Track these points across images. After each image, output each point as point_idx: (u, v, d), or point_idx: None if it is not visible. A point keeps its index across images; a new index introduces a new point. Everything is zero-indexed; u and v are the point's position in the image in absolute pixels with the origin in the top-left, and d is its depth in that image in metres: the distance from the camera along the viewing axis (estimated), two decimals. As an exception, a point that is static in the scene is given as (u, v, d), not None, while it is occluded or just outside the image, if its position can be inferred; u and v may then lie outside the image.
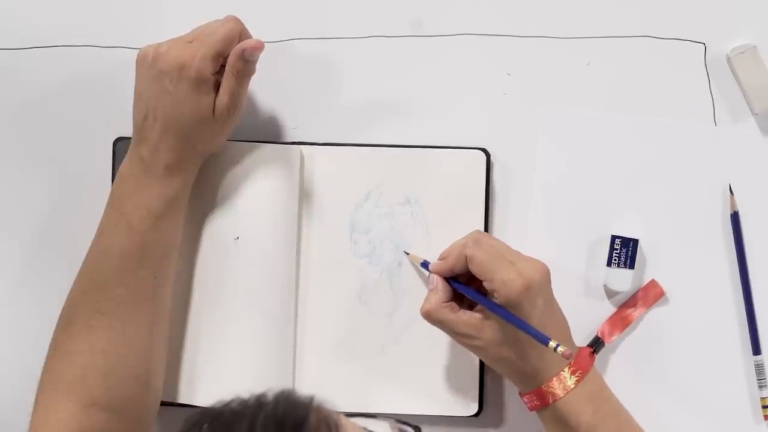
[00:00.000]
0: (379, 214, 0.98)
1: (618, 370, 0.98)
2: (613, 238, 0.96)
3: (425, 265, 0.95)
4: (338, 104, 1.00)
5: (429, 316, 0.92)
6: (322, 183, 0.98)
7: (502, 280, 0.88)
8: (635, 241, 0.96)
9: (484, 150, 0.97)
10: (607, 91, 0.99)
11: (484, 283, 0.90)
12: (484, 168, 0.97)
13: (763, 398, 0.97)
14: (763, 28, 0.98)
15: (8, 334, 1.00)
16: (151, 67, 0.90)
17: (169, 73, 0.89)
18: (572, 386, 0.89)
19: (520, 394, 0.93)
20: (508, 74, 1.00)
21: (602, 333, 0.96)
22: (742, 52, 0.98)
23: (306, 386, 0.97)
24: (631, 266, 0.96)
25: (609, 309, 0.98)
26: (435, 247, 0.97)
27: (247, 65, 0.91)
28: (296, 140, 0.99)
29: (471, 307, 0.93)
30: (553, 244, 0.98)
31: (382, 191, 0.98)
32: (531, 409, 0.92)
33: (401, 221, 0.98)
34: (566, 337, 0.91)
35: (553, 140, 0.99)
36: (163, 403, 0.95)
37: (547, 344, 0.85)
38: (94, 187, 0.99)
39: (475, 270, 0.90)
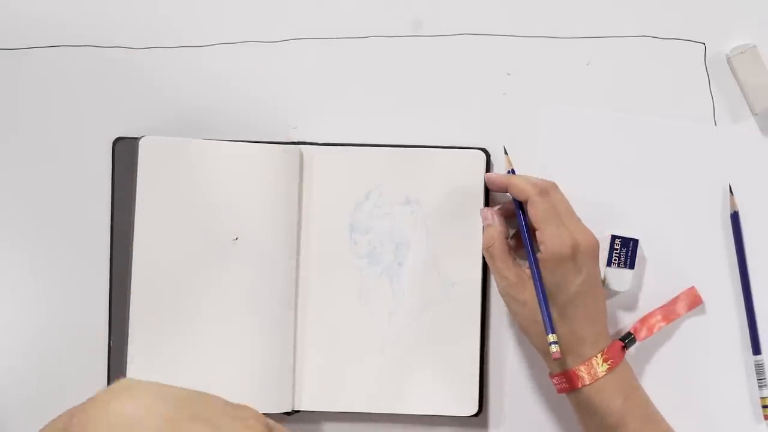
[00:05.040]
0: (379, 214, 0.98)
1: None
2: (613, 238, 0.96)
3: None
4: (338, 104, 1.00)
5: (491, 248, 0.93)
6: (322, 183, 0.98)
7: (552, 233, 0.89)
8: (635, 241, 0.96)
9: (484, 150, 0.97)
10: (607, 91, 0.99)
11: (536, 233, 0.90)
12: (484, 168, 0.97)
13: (763, 398, 0.97)
14: (763, 28, 0.98)
15: (7, 333, 1.00)
16: None
17: None
18: (602, 374, 0.89)
19: (549, 375, 0.93)
20: (508, 74, 1.00)
21: (635, 330, 0.96)
22: (742, 52, 0.98)
23: (306, 386, 0.97)
24: (631, 266, 0.96)
25: (610, 309, 0.98)
26: (435, 247, 0.97)
27: None
28: (296, 140, 0.99)
29: None
30: (553, 244, 0.98)
31: (382, 191, 0.98)
32: (560, 391, 0.92)
33: (401, 221, 0.98)
34: (602, 321, 0.92)
35: (553, 140, 0.99)
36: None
37: (549, 333, 0.87)
38: (94, 187, 0.99)
39: (531, 214, 0.91)
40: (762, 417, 0.98)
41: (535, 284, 0.90)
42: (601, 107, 0.99)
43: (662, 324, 0.97)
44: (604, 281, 0.96)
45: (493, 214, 0.94)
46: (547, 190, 0.92)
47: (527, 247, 0.91)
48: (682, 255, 0.98)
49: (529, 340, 0.94)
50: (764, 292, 0.98)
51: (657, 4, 0.99)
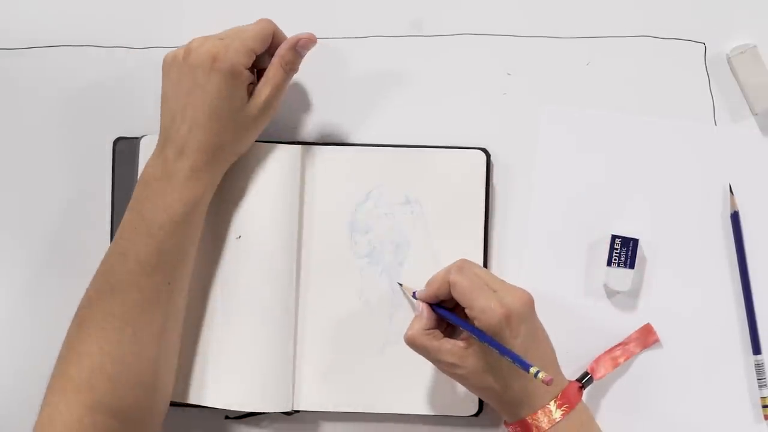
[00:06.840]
0: (379, 214, 0.98)
1: (619, 366, 0.98)
2: (613, 238, 0.96)
3: (415, 295, 0.94)
4: (338, 104, 1.00)
5: (412, 343, 0.91)
6: (322, 183, 0.98)
7: (481, 308, 0.87)
8: (635, 241, 0.96)
9: (484, 150, 0.98)
10: (607, 91, 0.99)
11: (466, 311, 0.88)
12: (484, 168, 0.97)
13: (763, 398, 0.97)
14: (763, 28, 0.99)
15: (7, 333, 1.00)
16: (183, 64, 0.89)
17: (202, 65, 0.88)
18: (558, 419, 0.88)
19: (504, 423, 0.91)
20: (508, 74, 1.00)
21: (592, 369, 0.96)
22: (742, 52, 0.98)
23: (306, 386, 0.97)
24: (631, 266, 0.96)
25: (609, 311, 0.98)
26: (435, 247, 0.97)
27: (296, 58, 0.92)
28: (296, 140, 0.99)
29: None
30: (553, 244, 0.98)
31: (382, 191, 0.98)
32: None
33: (401, 221, 0.98)
34: (552, 366, 0.90)
35: (553, 140, 0.99)
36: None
37: (527, 370, 0.83)
38: (94, 188, 0.99)
39: (458, 297, 0.89)
40: (762, 417, 0.98)
41: (484, 341, 0.87)
42: (601, 107, 0.99)
43: (620, 361, 0.97)
44: (604, 281, 0.97)
45: (423, 307, 0.92)
46: (461, 266, 0.90)
47: (464, 326, 0.89)
48: (682, 255, 0.98)
49: (488, 401, 0.92)
50: (764, 292, 0.98)
51: (657, 4, 0.99)
